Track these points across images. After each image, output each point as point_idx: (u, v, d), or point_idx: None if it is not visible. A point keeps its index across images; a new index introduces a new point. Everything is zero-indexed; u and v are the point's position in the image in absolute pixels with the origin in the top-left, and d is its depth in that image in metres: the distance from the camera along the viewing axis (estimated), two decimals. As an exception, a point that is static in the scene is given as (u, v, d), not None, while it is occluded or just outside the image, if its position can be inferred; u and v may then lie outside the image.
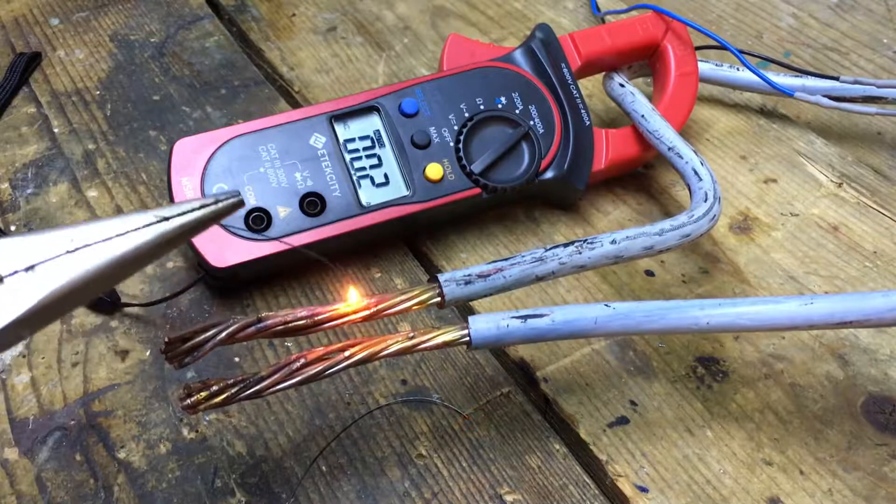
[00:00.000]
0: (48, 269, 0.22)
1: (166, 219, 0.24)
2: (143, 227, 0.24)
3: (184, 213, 0.25)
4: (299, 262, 0.39)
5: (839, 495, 0.32)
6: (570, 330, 0.31)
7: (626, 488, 0.33)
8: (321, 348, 0.30)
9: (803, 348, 0.37)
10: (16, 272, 0.22)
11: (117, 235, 0.23)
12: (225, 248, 0.36)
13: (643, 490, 0.33)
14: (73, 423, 0.34)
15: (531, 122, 0.41)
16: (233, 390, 0.29)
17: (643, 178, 0.45)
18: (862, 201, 0.43)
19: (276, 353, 0.37)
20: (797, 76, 0.45)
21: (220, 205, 0.25)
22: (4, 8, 0.53)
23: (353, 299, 0.30)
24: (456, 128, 0.40)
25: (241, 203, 0.25)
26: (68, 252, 0.23)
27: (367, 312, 0.31)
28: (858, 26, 0.54)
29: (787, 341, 0.37)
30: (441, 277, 0.32)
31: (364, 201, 0.38)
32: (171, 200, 0.37)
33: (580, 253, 0.34)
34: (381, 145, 0.40)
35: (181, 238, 0.25)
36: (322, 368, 0.29)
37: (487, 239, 0.42)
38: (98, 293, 0.24)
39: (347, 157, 0.39)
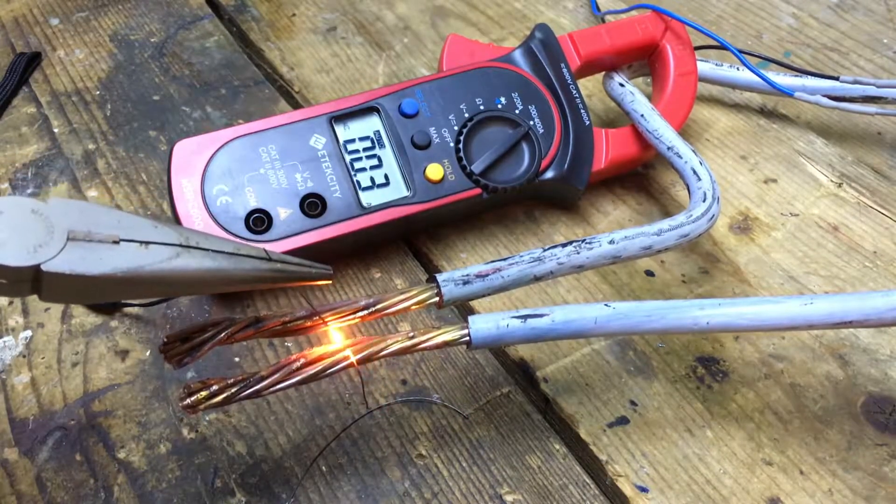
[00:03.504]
0: (159, 251, 0.25)
1: (269, 259, 0.27)
2: (248, 256, 0.26)
3: (285, 262, 0.27)
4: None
5: (839, 495, 0.32)
6: (570, 330, 0.31)
7: (626, 488, 0.33)
8: (321, 348, 0.30)
9: (803, 348, 0.37)
10: (133, 241, 0.24)
11: (225, 254, 0.26)
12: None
13: (643, 490, 0.33)
14: (73, 423, 0.34)
15: (531, 123, 0.41)
16: (233, 390, 0.29)
17: (643, 178, 0.45)
18: (862, 201, 0.43)
19: (276, 353, 0.37)
20: (797, 76, 0.45)
21: (314, 270, 0.28)
22: (4, 8, 0.53)
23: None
24: (456, 128, 0.40)
25: (330, 278, 0.29)
26: (181, 245, 0.25)
27: (366, 312, 0.31)
28: (858, 26, 0.54)
29: (787, 341, 0.37)
30: (439, 277, 0.32)
31: (364, 202, 0.38)
32: (171, 201, 0.37)
33: (578, 253, 0.34)
34: (382, 146, 0.40)
35: (267, 280, 0.27)
36: (322, 368, 0.29)
37: (487, 239, 0.42)
38: (184, 292, 0.26)
39: (348, 157, 0.39)
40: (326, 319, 0.30)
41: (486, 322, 0.31)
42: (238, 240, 0.35)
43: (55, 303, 0.24)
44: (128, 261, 0.24)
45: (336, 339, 0.31)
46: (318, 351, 0.30)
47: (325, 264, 0.29)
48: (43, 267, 0.23)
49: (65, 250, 0.23)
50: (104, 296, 0.25)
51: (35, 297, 0.38)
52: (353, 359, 0.30)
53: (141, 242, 0.25)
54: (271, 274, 0.27)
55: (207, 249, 0.26)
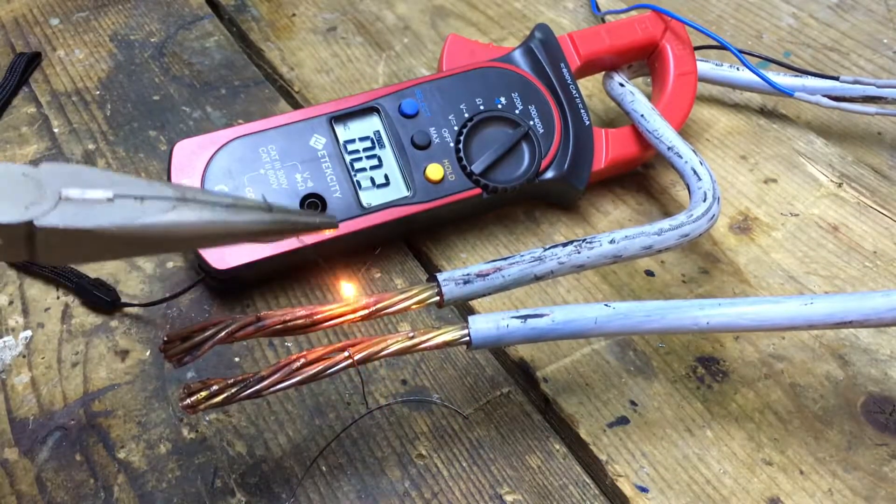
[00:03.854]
0: (155, 204, 0.24)
1: (270, 209, 0.26)
2: (247, 207, 0.25)
3: (288, 213, 0.26)
4: (300, 263, 0.39)
5: (839, 495, 0.32)
6: (570, 330, 0.31)
7: (626, 488, 0.33)
8: (321, 348, 0.30)
9: (803, 348, 0.37)
10: (128, 196, 0.24)
11: (223, 206, 0.25)
12: (225, 250, 0.36)
13: (643, 490, 0.33)
14: (73, 423, 0.34)
15: (531, 123, 0.41)
16: (233, 390, 0.29)
17: (643, 178, 0.45)
18: (862, 201, 0.43)
19: (276, 353, 0.37)
20: (797, 76, 0.45)
21: (318, 220, 0.27)
22: (4, 8, 0.53)
23: (349, 294, 0.31)
24: (456, 128, 0.40)
25: (335, 227, 0.28)
26: (177, 199, 0.24)
27: (366, 312, 0.31)
28: (858, 26, 0.54)
29: (787, 341, 0.37)
30: (440, 277, 0.32)
31: (364, 202, 0.38)
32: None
33: (579, 252, 0.34)
34: (382, 146, 0.40)
35: (270, 233, 0.26)
36: (322, 368, 0.29)
37: (487, 239, 0.42)
38: (184, 247, 0.25)
39: (348, 157, 0.39)
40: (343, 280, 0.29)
41: (486, 322, 0.31)
42: None
43: (51, 264, 0.23)
44: (124, 215, 0.23)
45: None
46: (318, 351, 0.30)
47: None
48: (36, 223, 0.22)
49: (58, 207, 0.23)
50: (101, 254, 0.24)
51: (34, 297, 0.38)
52: (354, 359, 0.30)
53: (136, 198, 0.24)
54: (274, 226, 0.26)
55: (205, 202, 0.25)
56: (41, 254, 0.23)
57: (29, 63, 0.49)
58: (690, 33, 0.44)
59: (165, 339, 0.29)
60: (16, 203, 0.23)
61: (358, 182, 0.39)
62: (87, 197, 0.23)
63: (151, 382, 0.35)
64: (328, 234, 0.29)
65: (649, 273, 0.40)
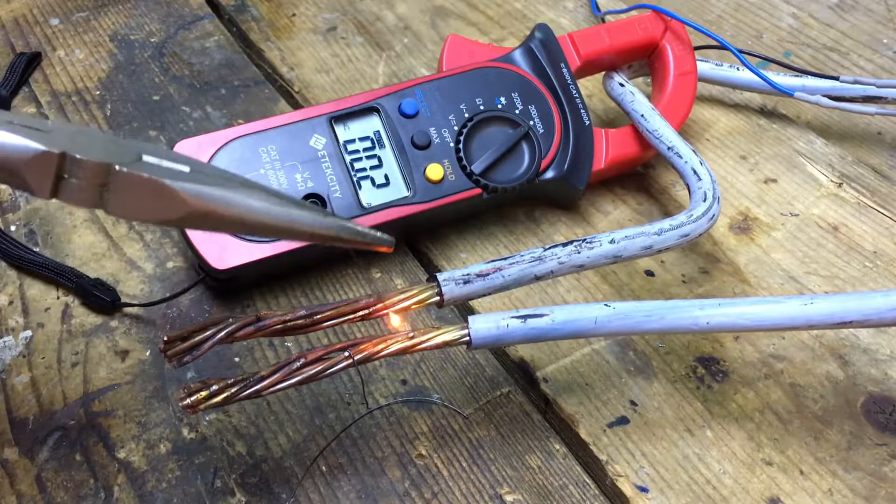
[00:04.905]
0: (225, 184, 0.25)
1: (333, 215, 0.27)
2: (309, 208, 0.26)
3: (345, 221, 0.27)
4: (300, 263, 0.39)
5: (839, 495, 0.32)
6: (569, 330, 0.31)
7: (626, 488, 0.33)
8: (321, 348, 0.30)
9: (803, 348, 0.37)
10: (200, 173, 0.25)
11: (288, 201, 0.26)
12: (225, 250, 0.36)
13: (643, 490, 0.33)
14: (73, 423, 0.34)
15: (531, 123, 0.41)
16: (233, 390, 0.29)
17: (643, 178, 0.45)
18: (862, 201, 0.43)
19: (276, 353, 0.37)
20: (797, 76, 0.45)
21: (376, 234, 0.28)
22: (4, 8, 0.53)
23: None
24: (456, 128, 0.40)
25: (391, 246, 0.28)
26: (245, 186, 0.25)
27: (366, 312, 0.31)
28: (858, 26, 0.54)
29: (787, 341, 0.37)
30: (440, 276, 0.32)
31: (365, 202, 0.38)
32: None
33: (579, 252, 0.34)
34: (382, 146, 0.40)
35: (329, 237, 0.26)
36: (322, 368, 0.29)
37: (487, 239, 0.42)
38: (240, 230, 0.26)
39: (348, 158, 0.39)
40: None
41: (486, 322, 0.31)
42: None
43: (115, 215, 0.24)
44: (201, 185, 0.24)
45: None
46: (318, 351, 0.30)
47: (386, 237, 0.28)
48: (117, 167, 0.23)
49: (138, 163, 0.24)
50: (160, 215, 0.24)
51: (34, 297, 0.38)
52: (354, 359, 0.30)
53: (209, 175, 0.25)
54: (332, 231, 0.26)
55: (270, 193, 0.26)
56: (111, 201, 0.24)
57: (29, 63, 0.49)
58: (690, 33, 0.44)
59: (165, 339, 0.29)
60: (99, 152, 0.23)
61: (358, 182, 0.39)
62: (164, 164, 0.24)
63: (151, 382, 0.35)
64: (381, 249, 0.28)
65: (649, 273, 0.40)
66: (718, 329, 0.32)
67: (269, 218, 0.25)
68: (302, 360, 0.29)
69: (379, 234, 0.28)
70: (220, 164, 0.37)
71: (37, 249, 0.40)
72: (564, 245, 0.34)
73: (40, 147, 0.23)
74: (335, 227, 0.26)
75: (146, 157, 0.24)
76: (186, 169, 0.25)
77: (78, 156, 0.23)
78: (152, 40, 0.52)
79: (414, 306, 0.31)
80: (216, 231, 0.28)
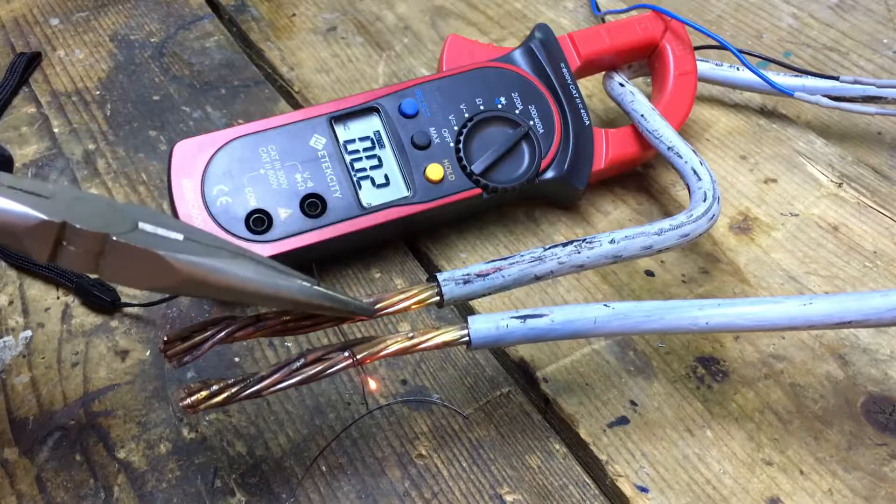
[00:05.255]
0: (216, 252, 0.26)
1: (317, 284, 0.28)
2: (297, 276, 0.28)
3: (329, 291, 0.28)
4: (300, 264, 0.39)
5: (839, 495, 0.32)
6: (569, 330, 0.31)
7: (626, 488, 0.33)
8: (321, 348, 0.30)
9: (803, 348, 0.37)
10: (194, 241, 0.26)
11: (276, 270, 0.27)
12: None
13: (643, 490, 0.33)
14: (73, 423, 0.34)
15: (531, 122, 0.41)
16: (233, 390, 0.29)
17: (643, 178, 0.45)
18: (862, 201, 0.43)
19: (276, 353, 0.37)
20: (797, 76, 0.45)
21: (356, 304, 0.29)
22: (4, 8, 0.53)
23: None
24: (456, 128, 0.40)
25: (372, 315, 0.30)
26: (236, 254, 0.27)
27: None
28: (858, 26, 0.54)
29: (787, 341, 0.37)
30: (440, 276, 0.32)
31: (365, 202, 0.38)
32: (171, 202, 0.37)
33: (579, 252, 0.34)
34: (382, 146, 0.40)
35: (308, 305, 0.28)
36: (322, 368, 0.29)
37: (487, 239, 0.42)
38: (228, 297, 0.27)
39: (348, 158, 0.39)
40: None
41: (486, 322, 0.31)
42: (238, 241, 0.35)
43: (110, 281, 0.25)
44: (192, 255, 0.25)
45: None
46: (318, 351, 0.30)
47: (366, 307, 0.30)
48: (113, 237, 0.24)
49: (134, 232, 0.25)
50: (155, 283, 0.26)
51: (34, 297, 0.38)
52: (353, 360, 0.30)
53: (202, 244, 0.26)
54: (316, 299, 0.28)
55: (261, 262, 0.27)
56: (106, 269, 0.25)
57: (29, 63, 0.49)
58: (690, 33, 0.44)
59: (165, 339, 0.29)
60: (97, 221, 0.25)
61: (358, 182, 0.39)
62: (159, 233, 0.26)
63: (151, 382, 0.35)
64: (362, 319, 0.31)
65: (649, 273, 0.40)
66: (718, 329, 0.32)
67: (257, 287, 0.26)
68: (302, 360, 0.29)
69: (361, 303, 0.30)
70: (220, 165, 0.37)
71: (37, 249, 0.40)
72: (564, 245, 0.34)
73: (42, 217, 0.24)
74: (320, 296, 0.28)
75: (142, 225, 0.26)
76: (180, 237, 0.26)
77: (77, 225, 0.24)
78: (152, 40, 0.52)
79: (414, 306, 0.31)
80: (207, 297, 0.29)
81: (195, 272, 0.25)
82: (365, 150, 0.39)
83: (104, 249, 0.24)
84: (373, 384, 0.35)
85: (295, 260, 0.38)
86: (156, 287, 0.26)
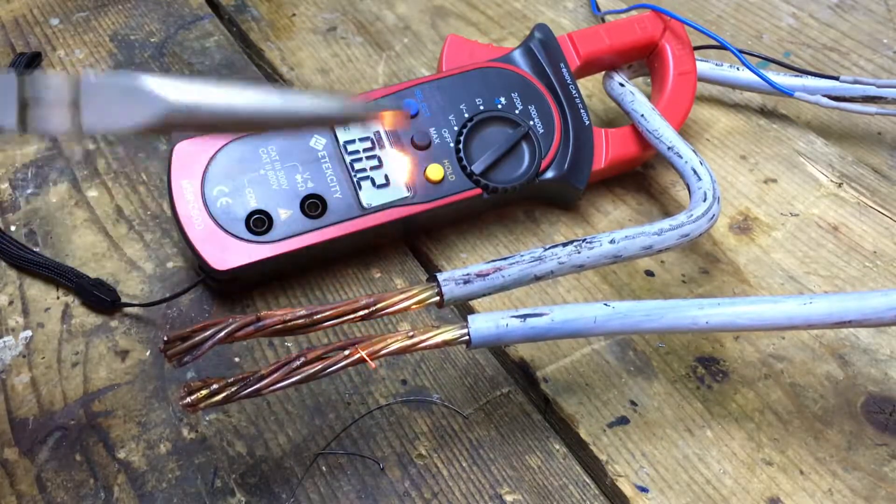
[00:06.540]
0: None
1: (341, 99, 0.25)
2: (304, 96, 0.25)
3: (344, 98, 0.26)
4: (301, 264, 0.39)
5: (839, 495, 0.32)
6: (569, 329, 0.31)
7: (626, 488, 0.33)
8: (321, 347, 0.30)
9: (803, 348, 0.37)
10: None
11: (260, 90, 0.25)
12: (226, 251, 0.36)
13: (643, 490, 0.33)
14: (73, 423, 0.34)
15: (531, 123, 0.41)
16: (233, 389, 0.29)
17: (643, 178, 0.45)
18: (862, 201, 0.43)
19: (276, 352, 0.37)
20: (797, 76, 0.45)
21: (382, 105, 0.27)
22: (4, 8, 0.53)
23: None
24: (456, 128, 0.40)
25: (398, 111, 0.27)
26: (216, 78, 0.25)
27: (366, 312, 0.31)
28: (858, 26, 0.54)
29: (787, 341, 0.37)
30: (440, 276, 0.32)
31: (365, 203, 0.38)
32: (171, 202, 0.37)
33: (579, 252, 0.34)
34: (382, 146, 0.40)
35: (342, 119, 0.26)
36: (322, 367, 0.29)
37: (487, 239, 0.42)
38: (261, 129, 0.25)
39: (348, 158, 0.39)
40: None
41: (486, 321, 0.31)
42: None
43: (92, 132, 0.23)
44: (178, 81, 0.23)
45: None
46: (317, 350, 0.30)
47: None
48: (89, 76, 0.23)
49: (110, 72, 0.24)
50: (143, 122, 0.23)
51: (34, 297, 0.38)
52: (353, 359, 0.30)
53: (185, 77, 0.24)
54: (337, 111, 0.25)
55: (247, 83, 0.25)
56: (86, 116, 0.23)
57: (29, 63, 0.49)
58: (690, 33, 0.44)
59: (165, 339, 0.29)
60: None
61: (358, 182, 0.39)
62: (135, 72, 0.25)
63: (151, 382, 0.35)
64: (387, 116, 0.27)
65: (649, 273, 0.40)
66: (718, 329, 0.32)
67: (260, 108, 0.24)
68: (302, 359, 0.29)
69: (385, 102, 0.27)
70: (220, 165, 0.37)
71: (37, 249, 0.40)
72: (564, 245, 0.34)
73: None
74: (338, 107, 0.25)
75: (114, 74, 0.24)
76: (160, 76, 0.24)
77: (40, 75, 0.22)
78: (152, 40, 0.52)
79: (414, 306, 0.31)
80: (202, 133, 0.26)
81: (187, 98, 0.23)
82: (365, 150, 0.39)
83: (79, 97, 0.22)
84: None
85: (296, 260, 0.38)
86: (145, 126, 0.23)
